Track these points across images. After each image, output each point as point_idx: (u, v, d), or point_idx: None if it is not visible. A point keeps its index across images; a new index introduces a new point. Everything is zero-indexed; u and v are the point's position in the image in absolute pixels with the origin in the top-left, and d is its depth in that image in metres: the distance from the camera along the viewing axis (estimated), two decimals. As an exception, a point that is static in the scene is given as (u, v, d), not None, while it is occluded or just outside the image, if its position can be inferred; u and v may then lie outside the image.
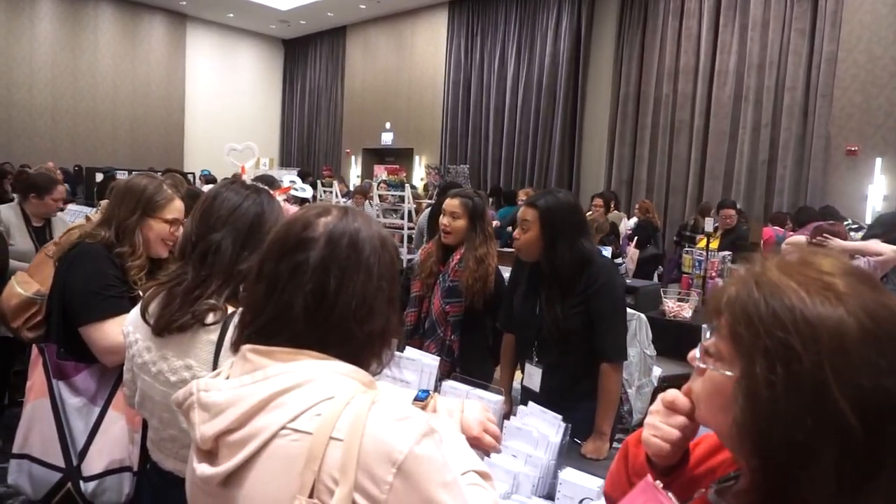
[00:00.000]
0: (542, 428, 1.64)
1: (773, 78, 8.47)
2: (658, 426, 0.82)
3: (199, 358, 1.28)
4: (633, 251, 5.93)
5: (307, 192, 5.30)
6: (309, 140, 16.52)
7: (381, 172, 10.39)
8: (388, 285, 0.92)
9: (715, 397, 0.70)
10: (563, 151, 10.85)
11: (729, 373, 0.67)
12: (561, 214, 2.16)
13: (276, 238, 0.91)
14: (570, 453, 1.80)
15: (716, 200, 7.69)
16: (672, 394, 0.82)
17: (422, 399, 1.16)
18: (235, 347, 0.90)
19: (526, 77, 11.35)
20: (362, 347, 0.89)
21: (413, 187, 8.40)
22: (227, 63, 16.08)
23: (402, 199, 7.27)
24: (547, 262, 2.16)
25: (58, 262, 1.89)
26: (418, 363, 1.85)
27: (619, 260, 5.56)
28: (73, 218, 4.21)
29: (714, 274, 4.80)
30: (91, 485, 1.72)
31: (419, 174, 12.80)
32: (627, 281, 4.52)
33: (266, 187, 1.55)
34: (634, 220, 7.46)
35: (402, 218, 7.11)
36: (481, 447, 1.13)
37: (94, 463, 1.74)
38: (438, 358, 1.93)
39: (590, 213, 6.56)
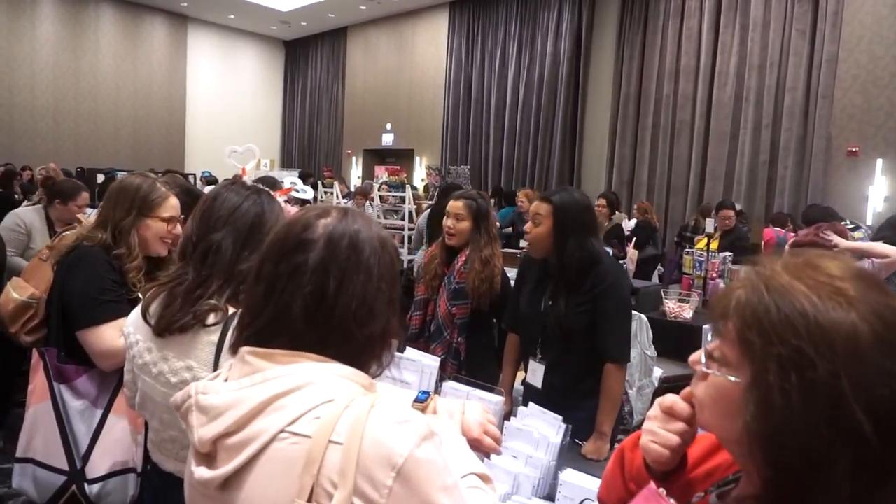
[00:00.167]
0: (542, 429, 1.64)
1: (773, 78, 8.47)
2: (657, 432, 0.81)
3: (200, 359, 1.28)
4: (631, 252, 5.92)
5: (308, 193, 5.29)
6: (310, 141, 16.53)
7: (381, 173, 10.38)
8: (388, 287, 0.91)
9: (721, 403, 0.69)
10: (564, 152, 10.85)
11: (735, 378, 0.66)
12: (574, 212, 2.19)
13: (276, 239, 0.91)
14: (570, 454, 1.80)
15: (717, 201, 7.68)
16: (671, 399, 0.80)
17: (422, 400, 1.15)
18: (234, 349, 0.89)
19: (527, 77, 11.35)
20: (362, 349, 0.89)
21: (414, 188, 8.40)
22: (228, 64, 16.11)
23: (402, 199, 7.27)
24: (556, 257, 2.18)
25: (56, 265, 1.89)
26: (418, 364, 1.84)
27: (621, 262, 5.55)
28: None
29: (715, 275, 4.80)
30: (95, 487, 1.72)
31: (420, 175, 12.79)
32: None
33: (267, 188, 1.55)
34: (634, 220, 7.46)
35: (403, 219, 7.11)
36: (481, 449, 1.12)
37: (98, 465, 1.74)
38: (438, 359, 1.93)
39: (591, 213, 6.50)
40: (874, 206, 7.57)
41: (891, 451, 0.59)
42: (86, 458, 1.74)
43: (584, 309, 2.14)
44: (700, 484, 0.83)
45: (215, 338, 1.28)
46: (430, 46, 13.35)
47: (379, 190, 7.67)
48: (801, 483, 0.61)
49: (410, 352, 1.94)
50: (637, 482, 0.87)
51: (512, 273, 2.67)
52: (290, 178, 5.76)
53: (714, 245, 5.45)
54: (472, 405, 1.16)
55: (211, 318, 1.29)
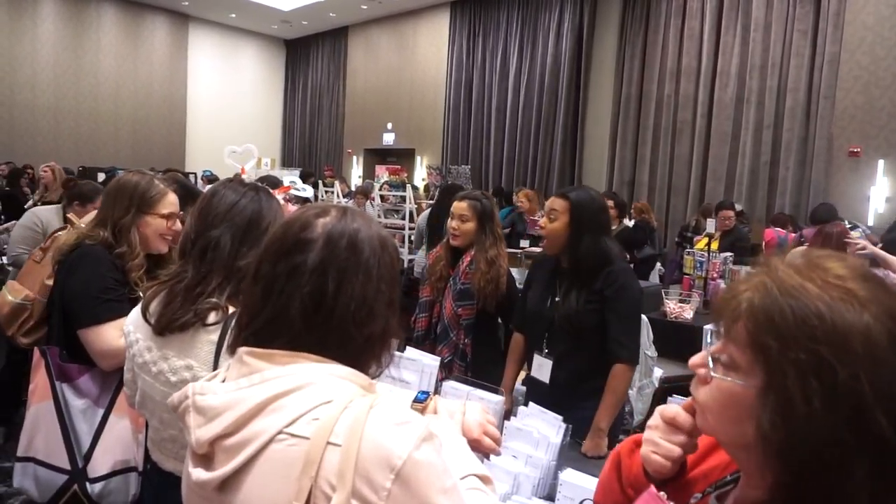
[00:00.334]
0: (542, 429, 1.63)
1: (775, 79, 8.46)
2: (659, 443, 0.80)
3: (200, 358, 1.28)
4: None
5: (307, 191, 5.29)
6: (310, 140, 16.52)
7: (382, 173, 10.39)
8: (387, 287, 0.90)
9: (728, 408, 0.67)
10: (565, 152, 10.84)
11: (742, 382, 0.65)
12: (590, 211, 2.20)
13: (274, 239, 0.90)
14: (570, 454, 1.79)
15: (718, 201, 7.68)
16: (673, 410, 0.79)
17: (421, 400, 1.15)
18: (232, 349, 0.88)
19: (528, 77, 11.34)
20: (361, 350, 0.88)
21: (414, 188, 8.40)
22: (229, 63, 16.10)
23: (403, 199, 7.27)
24: (570, 253, 2.20)
25: (58, 264, 1.89)
26: (418, 364, 1.84)
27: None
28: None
29: (716, 275, 4.79)
30: (97, 486, 1.72)
31: (420, 174, 12.79)
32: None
33: (266, 186, 1.55)
34: (633, 221, 7.45)
35: (404, 218, 7.11)
36: (481, 450, 1.12)
37: (100, 464, 1.74)
38: (438, 359, 1.92)
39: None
40: (876, 206, 7.56)
41: None
42: (87, 457, 1.74)
43: (593, 307, 2.15)
44: (697, 484, 0.82)
45: (215, 337, 1.28)
46: (431, 46, 13.34)
47: (379, 189, 7.67)
48: (819, 490, 0.60)
49: (410, 351, 1.93)
50: (635, 488, 0.85)
51: (513, 273, 2.67)
52: (290, 178, 5.76)
53: (714, 245, 5.44)
54: (472, 405, 1.16)
55: (211, 317, 1.28)
